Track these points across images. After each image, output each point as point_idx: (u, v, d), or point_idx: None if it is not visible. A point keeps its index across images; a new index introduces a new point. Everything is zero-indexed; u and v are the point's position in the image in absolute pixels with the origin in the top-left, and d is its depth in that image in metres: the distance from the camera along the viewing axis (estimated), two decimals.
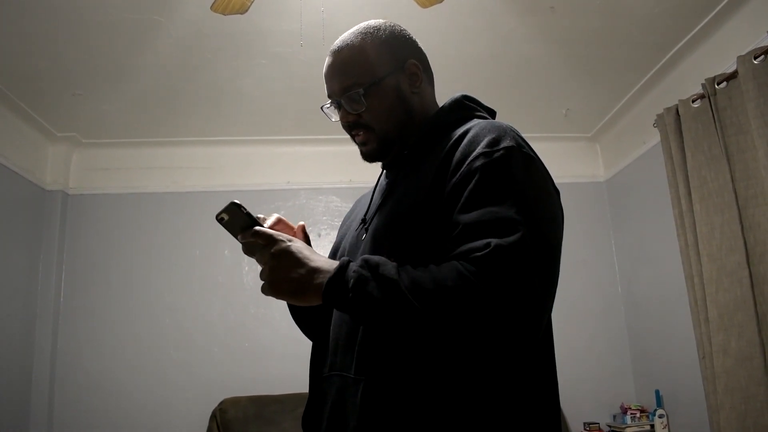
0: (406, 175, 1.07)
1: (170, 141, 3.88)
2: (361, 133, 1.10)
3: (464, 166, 0.93)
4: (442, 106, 1.13)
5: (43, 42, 2.74)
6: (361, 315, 0.87)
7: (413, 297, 0.83)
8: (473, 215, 0.88)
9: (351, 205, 1.34)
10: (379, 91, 1.07)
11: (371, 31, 1.11)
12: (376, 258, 0.89)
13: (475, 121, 1.04)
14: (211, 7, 2.22)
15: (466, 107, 1.12)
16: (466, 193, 0.90)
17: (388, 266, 0.87)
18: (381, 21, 1.15)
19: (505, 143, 0.93)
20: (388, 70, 1.08)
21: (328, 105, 1.13)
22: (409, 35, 1.16)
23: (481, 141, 0.95)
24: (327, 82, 1.12)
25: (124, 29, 2.68)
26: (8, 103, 3.25)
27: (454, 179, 0.93)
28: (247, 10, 2.25)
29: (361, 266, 0.88)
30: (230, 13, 2.24)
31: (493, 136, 0.94)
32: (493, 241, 0.83)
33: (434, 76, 1.19)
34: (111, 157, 3.88)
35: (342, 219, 1.32)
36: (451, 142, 1.00)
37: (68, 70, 2.99)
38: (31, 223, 3.55)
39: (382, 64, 1.08)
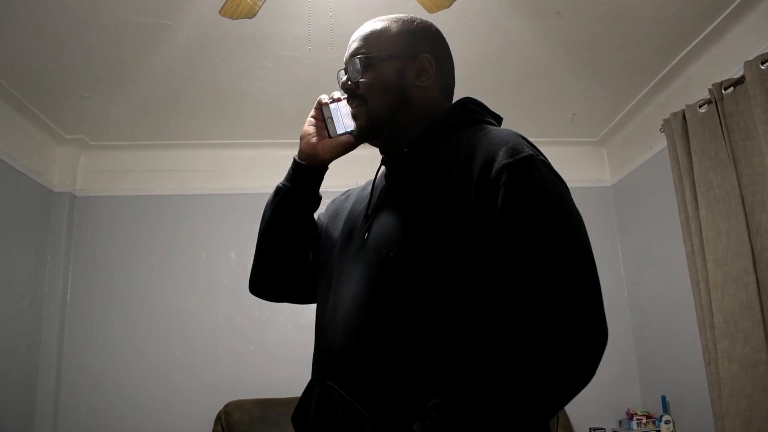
0: (409, 176, 1.06)
1: (177, 144, 3.90)
2: (356, 104, 1.12)
3: (488, 181, 0.91)
4: (447, 108, 1.12)
5: (52, 44, 2.76)
6: None
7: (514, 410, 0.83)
8: (512, 251, 0.88)
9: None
10: (381, 67, 1.09)
11: (405, 18, 1.14)
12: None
13: (484, 129, 1.03)
14: (219, 12, 2.24)
15: (472, 111, 1.11)
16: (498, 213, 0.89)
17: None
18: (423, 18, 1.17)
19: (525, 153, 0.93)
20: (399, 54, 1.10)
21: (344, 73, 1.15)
22: (440, 37, 1.16)
23: (498, 152, 0.93)
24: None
25: (132, 32, 2.70)
26: (17, 105, 3.27)
27: (480, 196, 0.92)
28: (255, 15, 2.26)
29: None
30: (239, 18, 2.25)
31: (510, 146, 0.94)
32: (545, 286, 0.85)
33: None
34: (118, 159, 3.90)
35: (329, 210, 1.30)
36: (466, 152, 0.98)
37: (76, 72, 3.01)
38: (38, 224, 3.57)
39: (396, 46, 1.10)
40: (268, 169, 3.92)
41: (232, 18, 2.26)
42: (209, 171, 3.96)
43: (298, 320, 3.68)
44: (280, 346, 3.66)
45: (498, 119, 1.14)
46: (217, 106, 3.45)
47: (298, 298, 1.29)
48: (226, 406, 3.39)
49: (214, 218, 3.87)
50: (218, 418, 3.34)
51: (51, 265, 3.60)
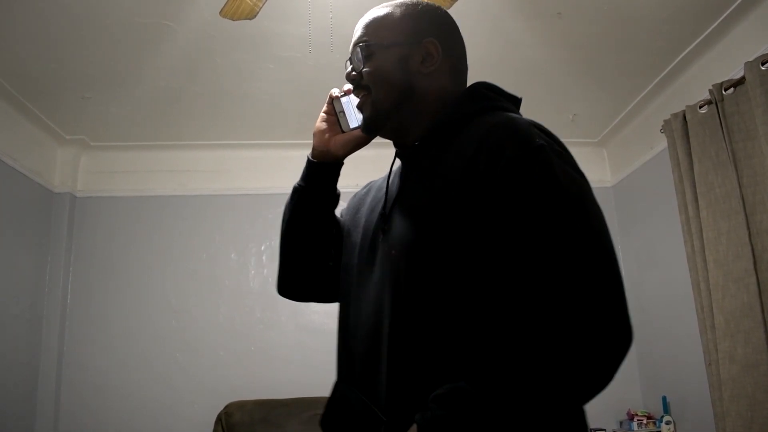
0: (422, 171, 1.02)
1: (177, 144, 3.90)
2: (362, 95, 1.08)
3: (498, 173, 0.87)
4: (457, 96, 1.06)
5: (53, 45, 2.77)
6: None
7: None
8: (526, 246, 0.83)
9: None
10: (384, 55, 1.05)
11: (409, 2, 1.10)
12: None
13: (497, 116, 0.98)
14: (220, 12, 2.24)
15: (485, 97, 1.05)
16: (511, 207, 0.86)
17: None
18: (430, 2, 1.12)
19: (536, 143, 0.89)
20: (401, 40, 1.05)
21: (349, 63, 1.11)
22: (447, 19, 1.11)
23: (509, 143, 0.89)
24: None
25: (133, 33, 2.70)
26: (18, 105, 3.27)
27: (492, 189, 0.88)
28: (255, 16, 2.26)
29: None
30: (239, 18, 2.25)
31: (521, 136, 0.90)
32: (560, 276, 0.81)
33: None
34: (119, 159, 3.90)
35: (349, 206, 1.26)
36: (474, 144, 0.93)
37: (77, 73, 3.01)
38: (39, 225, 3.57)
39: (398, 32, 1.06)
40: (269, 169, 3.93)
41: (232, 19, 2.26)
42: (210, 171, 3.96)
43: (300, 321, 3.68)
44: (281, 346, 3.65)
45: (515, 101, 1.09)
46: (218, 106, 3.45)
47: (326, 297, 1.25)
48: (226, 407, 3.38)
49: (214, 219, 3.87)
50: (219, 419, 3.34)
51: (51, 265, 3.61)
